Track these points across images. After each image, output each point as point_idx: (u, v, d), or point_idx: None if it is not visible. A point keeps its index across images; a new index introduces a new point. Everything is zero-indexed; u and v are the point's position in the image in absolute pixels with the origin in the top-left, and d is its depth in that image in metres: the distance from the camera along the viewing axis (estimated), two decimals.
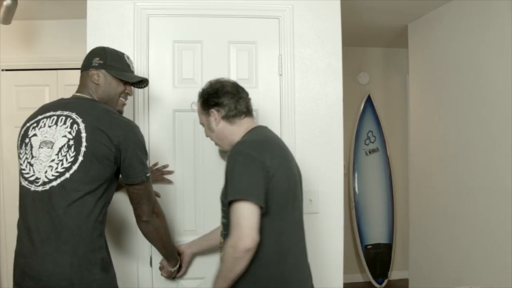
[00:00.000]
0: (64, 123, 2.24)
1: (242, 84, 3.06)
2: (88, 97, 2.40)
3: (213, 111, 2.42)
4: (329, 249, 3.15)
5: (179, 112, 3.07)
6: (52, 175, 2.18)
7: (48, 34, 4.91)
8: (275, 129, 3.06)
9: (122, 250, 2.99)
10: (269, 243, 2.14)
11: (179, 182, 3.07)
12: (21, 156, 2.31)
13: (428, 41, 4.92)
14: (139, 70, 2.99)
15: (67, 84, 4.77)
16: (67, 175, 2.17)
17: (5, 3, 3.96)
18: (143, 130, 2.99)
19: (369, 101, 6.50)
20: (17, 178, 4.55)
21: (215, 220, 3.01)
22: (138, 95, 3.01)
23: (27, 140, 2.29)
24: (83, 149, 2.19)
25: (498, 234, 3.73)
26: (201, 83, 3.03)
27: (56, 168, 2.18)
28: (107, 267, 2.26)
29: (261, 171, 2.10)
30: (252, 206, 2.04)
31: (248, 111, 2.47)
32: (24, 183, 2.26)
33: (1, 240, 4.88)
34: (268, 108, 3.12)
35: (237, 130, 2.41)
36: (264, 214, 2.10)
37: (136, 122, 2.97)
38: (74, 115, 2.26)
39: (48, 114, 2.32)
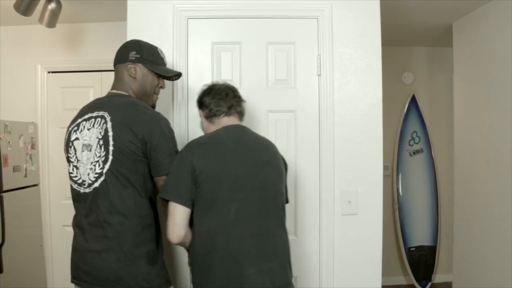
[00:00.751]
0: (99, 124, 2.31)
1: (280, 85, 3.09)
2: (123, 93, 2.45)
3: (200, 111, 2.61)
4: (368, 251, 3.12)
5: None
6: (94, 177, 2.28)
7: (92, 37, 5.00)
8: (314, 129, 3.07)
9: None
10: (197, 240, 2.29)
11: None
12: (68, 160, 2.41)
13: (473, 40, 4.82)
14: (178, 69, 3.01)
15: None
16: (103, 175, 2.26)
17: (50, 6, 4.05)
18: (182, 130, 3.02)
19: (413, 101, 6.42)
20: (63, 178, 4.69)
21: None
22: (177, 95, 3.04)
23: (70, 144, 2.39)
24: (111, 148, 2.25)
25: None
26: (239, 84, 3.07)
27: (95, 169, 2.28)
28: (155, 259, 2.34)
29: (189, 171, 2.27)
30: (177, 204, 2.25)
31: (229, 111, 2.53)
32: (74, 186, 2.37)
33: (47, 239, 4.98)
34: (307, 108, 3.11)
35: (212, 129, 2.53)
36: (193, 212, 2.29)
37: (176, 125, 3.01)
38: (106, 114, 2.32)
39: (86, 116, 2.39)
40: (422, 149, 6.37)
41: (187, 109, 3.06)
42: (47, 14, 4.09)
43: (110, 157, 2.25)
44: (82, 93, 4.96)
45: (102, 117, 2.32)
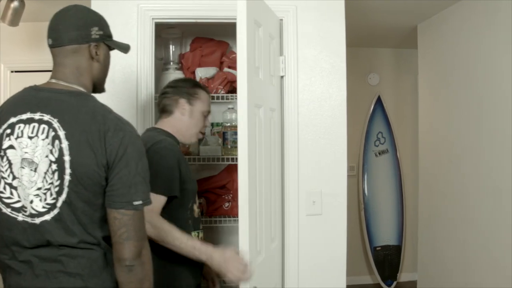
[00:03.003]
0: (46, 136, 1.75)
1: None
2: (79, 88, 1.87)
3: (188, 105, 2.61)
4: (333, 251, 3.13)
5: None
6: (43, 207, 1.75)
7: None
8: (278, 130, 3.07)
9: None
10: None
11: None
12: None
13: (437, 42, 4.89)
14: (143, 71, 3.00)
15: None
16: (57, 208, 1.75)
17: (12, 5, 3.99)
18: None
19: (379, 102, 6.48)
20: None
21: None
22: (141, 98, 3.01)
23: (2, 153, 1.79)
24: (67, 177, 1.73)
25: (506, 237, 3.69)
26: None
27: (45, 199, 1.75)
28: None
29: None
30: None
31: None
32: (6, 210, 1.79)
33: None
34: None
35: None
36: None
37: (139, 126, 2.98)
38: (55, 123, 1.75)
39: (24, 116, 1.79)
40: (387, 150, 6.43)
41: (151, 110, 3.03)
42: (9, 12, 4.03)
43: (66, 189, 1.73)
44: None
45: (50, 124, 1.75)
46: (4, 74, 4.95)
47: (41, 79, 4.79)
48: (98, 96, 1.94)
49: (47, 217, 1.74)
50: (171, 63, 3.60)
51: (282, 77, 3.11)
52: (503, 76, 3.75)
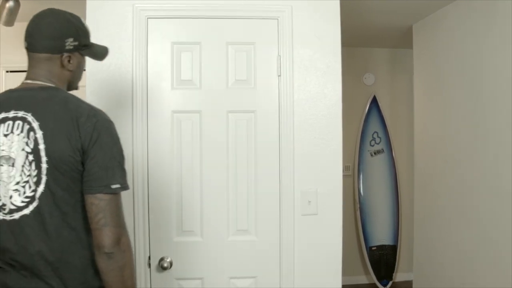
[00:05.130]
0: (21, 130, 1.78)
1: (240, 85, 3.11)
2: (49, 84, 1.91)
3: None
4: (329, 251, 3.13)
5: (177, 113, 3.06)
6: (22, 201, 1.76)
7: None
8: (274, 130, 3.09)
9: None
10: None
11: (177, 183, 3.06)
12: None
13: (432, 42, 4.90)
14: (137, 71, 3.00)
15: None
16: (36, 200, 1.76)
17: (7, 5, 3.98)
18: (141, 131, 2.99)
19: (374, 102, 6.49)
20: None
21: (212, 220, 3.05)
22: (137, 96, 3.00)
23: None
24: (44, 165, 1.75)
25: (501, 236, 3.71)
26: (199, 85, 3.07)
27: (24, 192, 1.76)
28: None
29: None
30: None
31: None
32: None
33: None
34: (267, 109, 3.11)
35: None
36: None
37: (135, 124, 2.98)
38: (29, 117, 1.79)
39: (0, 116, 1.83)
40: (383, 150, 6.44)
41: (146, 109, 3.03)
42: (5, 12, 4.02)
43: (44, 177, 1.75)
44: None
45: (24, 119, 1.79)
46: (0, 74, 4.94)
47: None
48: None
49: (26, 211, 1.76)
50: None
51: (279, 76, 3.11)
52: (498, 75, 3.77)
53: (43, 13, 1.95)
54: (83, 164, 1.78)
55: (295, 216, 3.09)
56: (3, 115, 1.82)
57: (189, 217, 3.08)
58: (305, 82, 3.13)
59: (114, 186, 1.79)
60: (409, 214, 6.29)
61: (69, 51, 1.93)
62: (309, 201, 3.10)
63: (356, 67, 6.45)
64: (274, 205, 3.09)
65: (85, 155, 1.77)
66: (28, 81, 1.92)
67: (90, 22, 3.01)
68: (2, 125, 1.80)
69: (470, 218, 4.16)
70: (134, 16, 3.03)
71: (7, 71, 4.95)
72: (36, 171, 1.75)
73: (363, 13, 4.79)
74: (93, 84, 2.96)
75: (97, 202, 1.76)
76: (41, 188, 1.75)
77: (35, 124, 1.77)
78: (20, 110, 1.81)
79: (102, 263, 1.78)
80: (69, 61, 1.95)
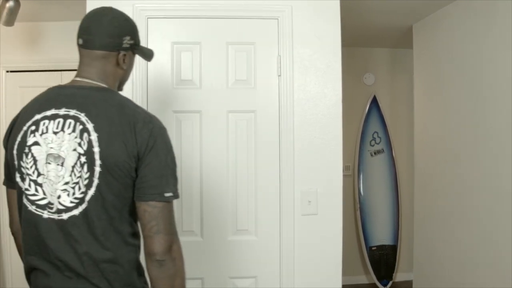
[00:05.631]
0: (73, 130, 1.73)
1: (240, 85, 3.11)
2: (102, 85, 1.88)
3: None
4: (329, 251, 3.14)
5: (177, 113, 3.07)
6: (71, 202, 1.72)
7: (52, 36, 4.93)
8: (274, 130, 3.09)
9: None
10: None
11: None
12: (20, 171, 1.79)
13: (432, 42, 4.89)
14: (138, 72, 2.99)
15: None
16: (85, 203, 1.72)
17: (7, 5, 3.98)
18: None
19: (374, 102, 6.48)
20: None
21: (212, 220, 3.06)
22: (137, 96, 3.00)
23: (27, 150, 1.77)
24: (97, 168, 1.71)
25: (502, 236, 3.70)
26: (199, 85, 3.07)
27: (74, 193, 1.72)
28: None
29: None
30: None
31: None
32: (31, 208, 1.76)
33: (6, 239, 4.90)
34: (267, 109, 3.11)
35: None
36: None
37: None
38: (83, 117, 1.74)
39: (49, 113, 1.78)
40: (383, 149, 6.44)
41: (146, 109, 3.02)
42: (5, 12, 4.02)
43: (96, 181, 1.71)
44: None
45: (77, 119, 1.74)
46: (0, 74, 4.94)
47: (36, 79, 4.80)
48: None
49: (76, 212, 1.72)
50: None
51: (279, 76, 3.12)
52: (498, 75, 3.76)
53: (102, 10, 1.92)
54: (136, 170, 1.76)
55: (295, 216, 3.10)
56: (53, 111, 1.77)
57: (189, 217, 3.09)
58: (305, 82, 3.14)
59: (167, 194, 1.77)
60: (409, 214, 6.28)
61: (125, 49, 1.92)
62: (309, 201, 3.10)
63: (356, 67, 6.44)
64: (274, 205, 3.10)
65: (140, 162, 1.75)
66: (80, 79, 1.88)
67: None
68: (52, 122, 1.76)
69: (470, 218, 4.16)
70: (134, 16, 3.02)
71: (7, 71, 4.94)
72: (88, 174, 1.71)
73: (363, 13, 4.78)
74: None
75: (150, 210, 1.74)
76: (91, 191, 1.72)
77: (90, 126, 1.73)
78: (72, 108, 1.77)
79: (153, 270, 1.75)
80: (124, 60, 1.93)
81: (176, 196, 1.81)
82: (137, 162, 1.75)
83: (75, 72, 1.90)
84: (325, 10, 3.18)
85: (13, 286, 4.91)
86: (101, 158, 1.70)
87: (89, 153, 1.70)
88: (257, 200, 3.11)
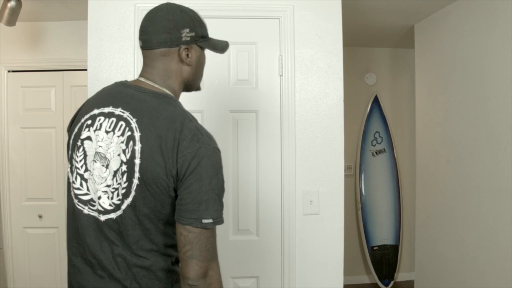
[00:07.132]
0: (122, 133, 1.69)
1: (242, 85, 3.11)
2: (165, 91, 1.81)
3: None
4: (330, 251, 3.14)
5: None
6: (110, 205, 1.70)
7: (54, 36, 4.93)
8: (276, 130, 3.09)
9: None
10: None
11: None
12: (71, 162, 1.80)
13: (434, 41, 4.89)
14: (139, 72, 2.98)
15: (73, 85, 4.82)
16: (121, 210, 1.69)
17: (9, 4, 3.98)
18: None
19: (376, 101, 6.48)
20: (23, 179, 4.43)
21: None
22: None
23: (80, 143, 1.76)
24: (135, 181, 1.65)
25: (504, 236, 3.70)
26: (201, 84, 3.05)
27: (112, 198, 1.69)
28: None
29: None
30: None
31: None
32: (75, 201, 1.77)
33: (7, 241, 4.90)
34: (269, 109, 3.11)
35: None
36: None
37: None
38: (133, 123, 1.68)
39: (106, 110, 1.76)
40: (384, 149, 6.43)
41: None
42: (6, 12, 4.02)
43: (133, 192, 1.66)
44: (43, 92, 4.90)
45: (128, 123, 1.70)
46: (2, 74, 4.94)
47: (38, 79, 4.81)
48: None
49: (113, 215, 1.69)
50: None
51: (280, 76, 3.12)
52: (500, 75, 3.76)
53: (156, 8, 1.84)
54: (176, 190, 1.67)
55: (297, 216, 3.10)
56: (110, 109, 1.75)
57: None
58: (306, 82, 3.14)
59: (205, 221, 1.65)
60: (411, 214, 6.28)
61: (186, 43, 1.80)
62: (311, 201, 3.10)
63: (357, 66, 6.44)
64: (276, 204, 3.10)
65: (180, 183, 1.65)
66: (143, 80, 1.83)
67: (91, 23, 3.03)
68: (107, 120, 1.73)
69: (472, 218, 4.16)
70: (136, 16, 3.04)
71: (8, 71, 4.94)
72: (126, 184, 1.66)
73: (365, 13, 4.78)
74: (95, 84, 2.95)
75: (186, 234, 1.64)
76: (128, 201, 1.67)
77: (137, 134, 1.67)
78: (127, 110, 1.72)
79: None
80: (187, 54, 1.82)
81: (217, 222, 1.70)
82: (176, 182, 1.65)
83: (75, 72, 1.89)
84: (327, 10, 3.18)
85: (14, 286, 4.92)
86: (140, 171, 1.64)
87: (130, 163, 1.65)
88: (259, 200, 3.11)
